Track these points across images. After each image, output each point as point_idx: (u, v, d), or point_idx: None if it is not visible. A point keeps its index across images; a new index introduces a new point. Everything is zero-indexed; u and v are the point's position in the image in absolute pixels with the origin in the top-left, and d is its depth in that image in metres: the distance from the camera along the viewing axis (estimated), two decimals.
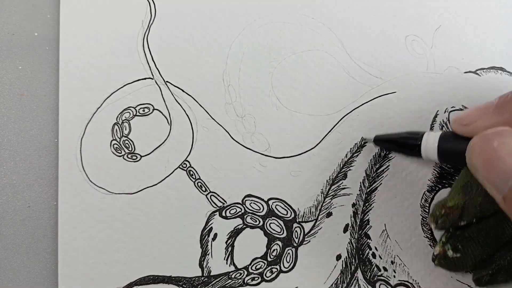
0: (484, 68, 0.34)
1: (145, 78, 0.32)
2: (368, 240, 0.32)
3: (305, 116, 0.33)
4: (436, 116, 0.33)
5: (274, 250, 0.31)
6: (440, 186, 0.32)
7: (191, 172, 0.32)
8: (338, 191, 0.32)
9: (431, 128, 0.33)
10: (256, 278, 0.31)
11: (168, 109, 0.32)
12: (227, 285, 0.31)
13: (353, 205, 0.32)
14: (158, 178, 0.32)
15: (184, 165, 0.32)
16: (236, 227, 0.32)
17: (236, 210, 0.32)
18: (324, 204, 0.32)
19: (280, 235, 0.32)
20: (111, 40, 0.33)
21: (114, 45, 0.33)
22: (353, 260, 0.32)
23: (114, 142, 0.32)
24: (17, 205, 0.31)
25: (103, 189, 0.31)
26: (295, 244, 0.32)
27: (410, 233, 0.32)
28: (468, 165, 0.25)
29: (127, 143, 0.32)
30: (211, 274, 0.31)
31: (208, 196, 0.32)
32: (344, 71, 0.33)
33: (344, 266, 0.31)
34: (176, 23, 0.33)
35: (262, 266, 0.31)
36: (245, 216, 0.32)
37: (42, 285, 0.31)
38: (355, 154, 0.33)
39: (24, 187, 0.32)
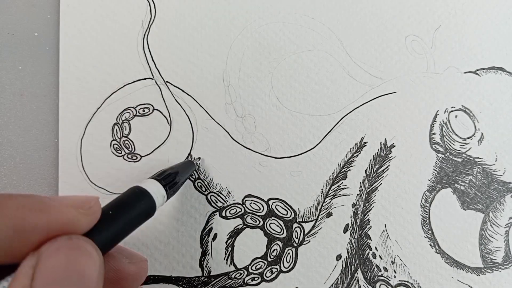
0: (484, 68, 0.34)
1: (145, 78, 0.32)
2: (368, 240, 0.32)
3: (305, 116, 0.33)
4: (436, 116, 0.33)
5: (274, 250, 0.31)
6: (440, 186, 0.32)
7: None
8: (338, 191, 0.32)
9: (431, 128, 0.33)
10: (256, 278, 0.31)
11: (168, 109, 0.32)
12: (227, 285, 0.31)
13: (353, 205, 0.32)
14: None
15: None
16: (236, 227, 0.32)
17: (236, 210, 0.32)
18: (324, 204, 0.32)
19: (280, 235, 0.32)
20: (111, 40, 0.33)
21: (114, 45, 0.33)
22: (353, 260, 0.32)
23: (114, 142, 0.32)
24: None
25: (103, 189, 0.31)
26: (295, 244, 0.32)
27: (411, 233, 0.32)
28: None
29: (127, 143, 0.32)
30: (211, 274, 0.31)
31: (208, 196, 0.32)
32: (344, 71, 0.33)
33: (344, 266, 0.31)
34: (176, 23, 0.33)
35: (262, 266, 0.31)
36: (245, 216, 0.32)
37: None
38: (355, 154, 0.33)
39: (24, 187, 0.32)
